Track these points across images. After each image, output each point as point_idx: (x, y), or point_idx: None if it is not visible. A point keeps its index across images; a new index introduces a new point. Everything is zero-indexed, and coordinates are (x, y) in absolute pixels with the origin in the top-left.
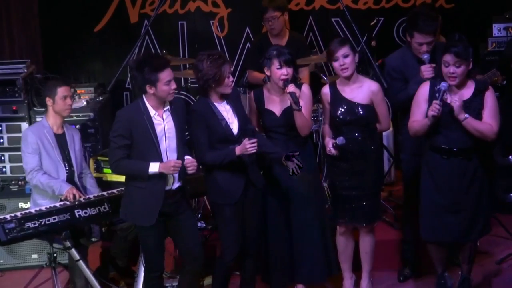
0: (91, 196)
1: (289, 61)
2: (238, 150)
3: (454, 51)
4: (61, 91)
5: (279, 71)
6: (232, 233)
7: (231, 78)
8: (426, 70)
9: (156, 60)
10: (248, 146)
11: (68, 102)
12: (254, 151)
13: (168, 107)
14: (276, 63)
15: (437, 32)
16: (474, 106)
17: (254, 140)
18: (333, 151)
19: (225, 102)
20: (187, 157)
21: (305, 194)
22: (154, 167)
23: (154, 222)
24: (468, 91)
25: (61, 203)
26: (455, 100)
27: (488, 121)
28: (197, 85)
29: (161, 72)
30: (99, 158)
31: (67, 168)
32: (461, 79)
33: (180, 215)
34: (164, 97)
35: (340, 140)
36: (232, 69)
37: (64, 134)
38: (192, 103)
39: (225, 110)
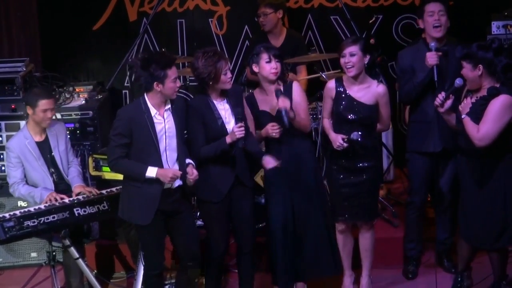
0: (80, 197)
1: (278, 55)
2: (228, 137)
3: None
4: (42, 104)
5: (269, 65)
6: (217, 230)
7: (229, 75)
8: (431, 57)
9: (164, 58)
10: (236, 130)
11: (48, 115)
12: (242, 135)
13: (169, 106)
14: (265, 57)
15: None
16: (474, 109)
17: (241, 124)
18: (345, 145)
19: (225, 100)
20: (189, 164)
21: (307, 190)
22: (151, 172)
23: (149, 222)
24: (480, 95)
25: (60, 201)
26: (462, 104)
27: (479, 125)
28: (196, 83)
29: (169, 69)
30: (98, 156)
31: (55, 173)
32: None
33: (180, 214)
34: (170, 95)
35: (356, 135)
36: (230, 66)
37: (47, 139)
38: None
39: (224, 109)
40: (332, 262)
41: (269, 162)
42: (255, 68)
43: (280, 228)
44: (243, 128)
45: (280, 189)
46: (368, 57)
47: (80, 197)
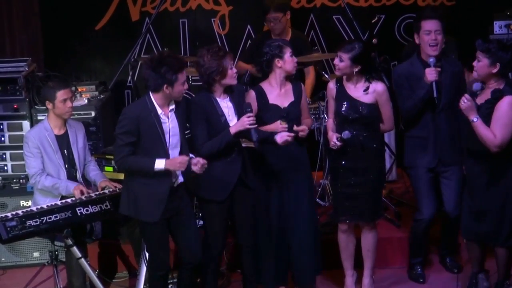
0: (92, 194)
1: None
2: (233, 128)
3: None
4: (60, 94)
5: (293, 59)
6: (216, 229)
7: (234, 70)
8: (430, 73)
9: (177, 61)
10: (245, 120)
11: (68, 105)
12: (253, 126)
13: (173, 106)
14: (289, 52)
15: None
16: (482, 111)
17: (251, 114)
18: (338, 144)
19: (228, 98)
20: (194, 156)
21: (298, 192)
22: (160, 164)
23: (158, 219)
24: (485, 98)
25: (63, 201)
26: (464, 100)
27: (494, 131)
28: (198, 83)
29: (181, 73)
30: (100, 156)
31: (68, 169)
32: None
33: (182, 212)
34: (177, 97)
35: (346, 134)
36: (234, 63)
37: (67, 133)
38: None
39: (227, 106)
40: (312, 271)
41: (283, 136)
42: (278, 63)
43: (272, 229)
44: (252, 118)
45: (274, 189)
46: (359, 67)
47: (82, 197)
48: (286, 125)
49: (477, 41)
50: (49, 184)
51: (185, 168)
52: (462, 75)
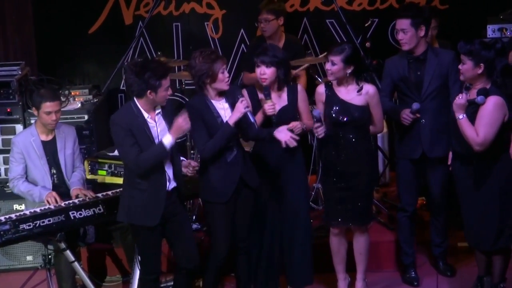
0: (76, 201)
1: (268, 62)
2: (231, 119)
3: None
4: (45, 106)
5: (258, 70)
6: (222, 231)
7: (226, 74)
8: (406, 118)
9: (160, 67)
10: (240, 105)
11: (51, 118)
12: (248, 109)
13: (159, 110)
14: (257, 62)
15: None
16: (468, 110)
17: (243, 98)
18: (318, 125)
19: (223, 100)
20: (184, 159)
21: (294, 195)
22: (167, 139)
23: (158, 222)
24: (471, 97)
25: (56, 204)
26: (460, 96)
27: (477, 130)
28: (191, 87)
29: (164, 79)
30: (93, 160)
31: (56, 175)
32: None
33: (176, 216)
34: (161, 102)
35: (317, 112)
36: (227, 67)
37: (54, 139)
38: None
39: (223, 108)
40: (310, 272)
41: (285, 134)
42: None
43: (269, 233)
44: (246, 102)
45: (268, 190)
46: (352, 67)
47: (76, 200)
48: (272, 103)
49: (459, 43)
50: (24, 189)
51: (189, 124)
52: (452, 64)
